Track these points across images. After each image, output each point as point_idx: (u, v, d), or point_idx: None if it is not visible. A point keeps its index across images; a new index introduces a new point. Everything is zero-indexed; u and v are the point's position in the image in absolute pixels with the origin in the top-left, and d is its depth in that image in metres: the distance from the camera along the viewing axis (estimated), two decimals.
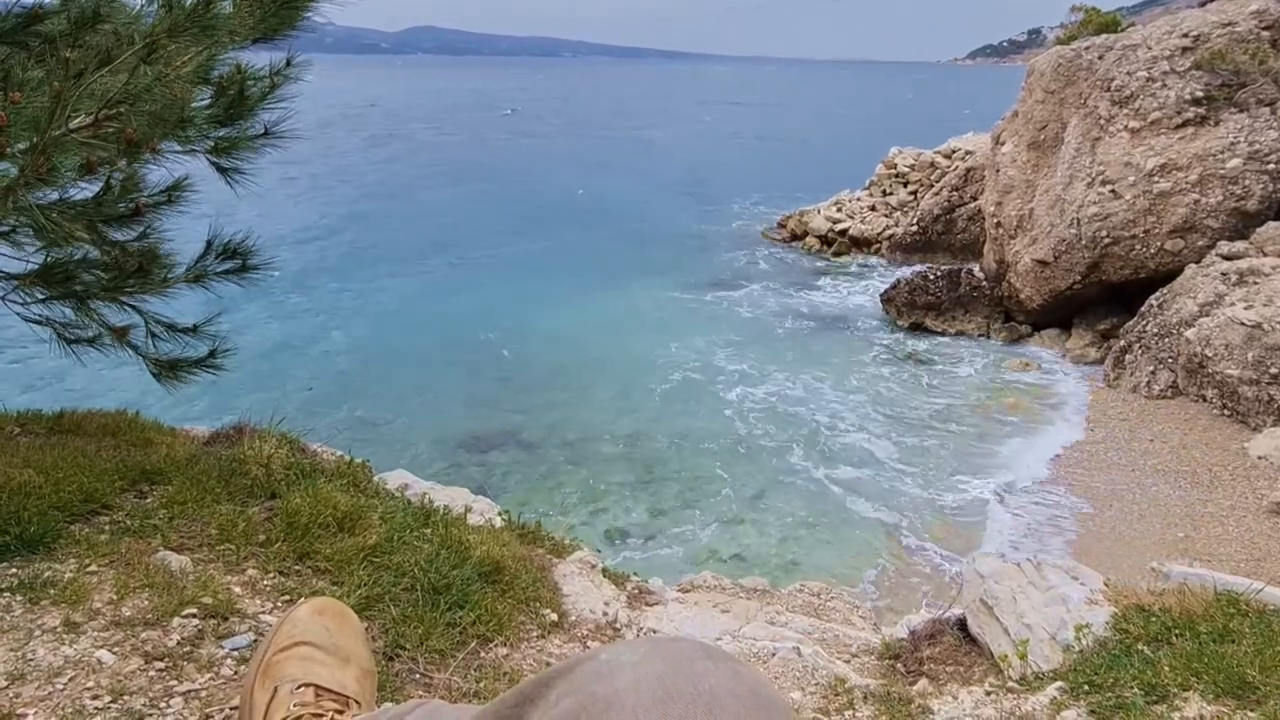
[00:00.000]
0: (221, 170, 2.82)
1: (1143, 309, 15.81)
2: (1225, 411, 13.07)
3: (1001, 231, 19.72)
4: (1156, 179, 16.32)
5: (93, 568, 2.40)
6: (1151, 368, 14.68)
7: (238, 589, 2.48)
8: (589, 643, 3.03)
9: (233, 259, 3.15)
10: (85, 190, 2.51)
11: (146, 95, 1.89)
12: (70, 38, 1.93)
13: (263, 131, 2.77)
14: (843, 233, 27.64)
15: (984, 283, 19.75)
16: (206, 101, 2.52)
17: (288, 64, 2.74)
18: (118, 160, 2.30)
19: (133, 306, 3.05)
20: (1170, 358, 14.39)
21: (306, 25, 2.65)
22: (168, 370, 3.27)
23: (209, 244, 3.08)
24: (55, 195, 2.39)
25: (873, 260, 26.13)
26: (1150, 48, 17.28)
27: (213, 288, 3.19)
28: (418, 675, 2.37)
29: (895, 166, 28.83)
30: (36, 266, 2.83)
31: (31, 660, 1.98)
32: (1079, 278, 17.29)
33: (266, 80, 2.68)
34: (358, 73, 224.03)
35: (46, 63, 2.07)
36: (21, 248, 2.79)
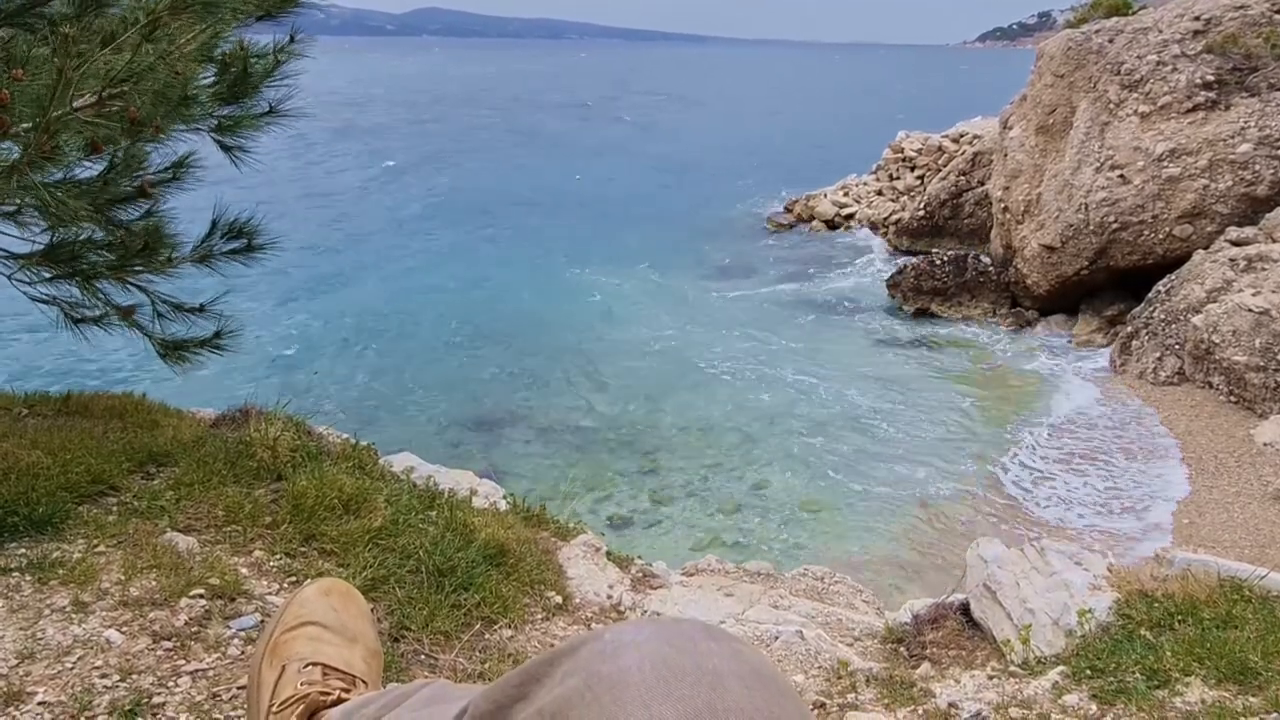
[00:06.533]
0: (226, 148, 2.81)
1: (1150, 295, 15.72)
2: (1232, 398, 13.02)
3: (1009, 216, 19.61)
4: (1166, 164, 16.19)
5: (101, 548, 2.42)
6: (1158, 354, 14.62)
7: (244, 570, 2.50)
8: (594, 625, 3.05)
9: (238, 238, 3.15)
10: (90, 170, 2.51)
11: (150, 74, 1.88)
12: (74, 20, 1.92)
13: (267, 109, 2.76)
14: (849, 217, 27.53)
15: (990, 268, 19.65)
16: (210, 80, 2.51)
17: (291, 40, 2.73)
18: (121, 139, 2.30)
19: (138, 286, 3.06)
20: (1177, 344, 14.32)
21: (309, 2, 2.63)
22: (173, 350, 3.28)
23: (214, 223, 3.08)
24: (60, 175, 2.39)
25: (879, 241, 25.96)
26: (1161, 31, 17.10)
27: (219, 268, 3.20)
28: (423, 656, 2.39)
29: (902, 151, 28.64)
30: (42, 247, 2.84)
31: (41, 639, 1.99)
32: (1086, 263, 17.19)
33: (270, 58, 2.67)
34: (371, 56, 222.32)
35: (50, 41, 2.07)
36: (27, 228, 2.80)
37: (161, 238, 2.97)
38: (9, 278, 2.88)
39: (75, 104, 1.87)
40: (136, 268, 2.93)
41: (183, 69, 2.04)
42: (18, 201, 2.50)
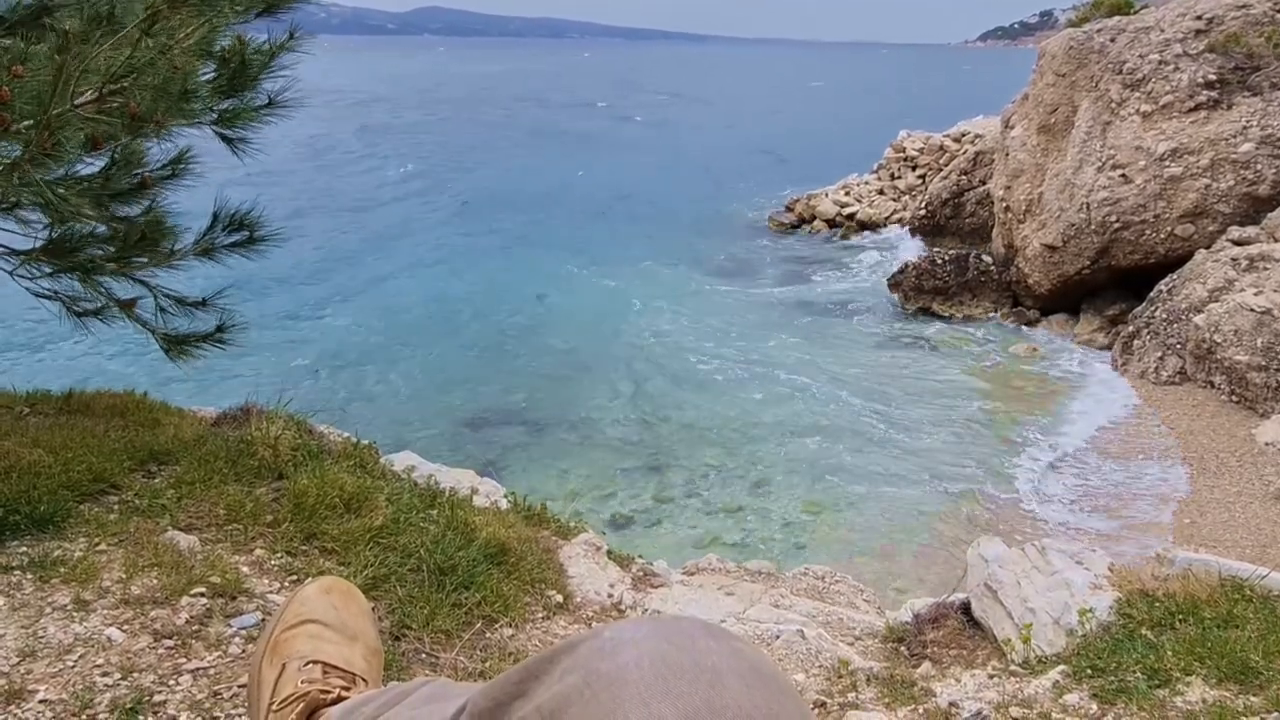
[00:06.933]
0: (227, 140, 2.81)
1: (1152, 294, 15.71)
2: (1233, 398, 13.01)
3: (1010, 216, 19.59)
4: (1167, 163, 16.17)
5: (102, 547, 2.42)
6: (1160, 353, 14.61)
7: (245, 569, 2.50)
8: (594, 624, 3.05)
9: (240, 230, 3.15)
10: (91, 165, 2.51)
11: (150, 69, 1.88)
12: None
13: (266, 102, 2.76)
14: (850, 216, 27.50)
15: (992, 267, 19.63)
16: (210, 75, 2.51)
17: (290, 36, 2.73)
18: (122, 135, 2.30)
19: (140, 280, 3.06)
20: (1179, 344, 14.31)
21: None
22: (176, 345, 3.28)
23: (216, 215, 3.08)
24: (61, 171, 2.39)
25: (884, 236, 25.94)
26: (1163, 30, 17.07)
27: (223, 262, 3.19)
28: (424, 655, 2.39)
29: (904, 150, 28.61)
30: (42, 242, 2.84)
31: (42, 637, 2.00)
32: (1088, 263, 17.18)
33: (267, 51, 2.67)
34: (375, 55, 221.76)
35: (49, 39, 2.07)
36: (28, 224, 2.80)
37: (162, 230, 2.97)
38: (10, 274, 2.88)
39: (76, 100, 1.87)
40: (137, 260, 2.93)
41: (182, 63, 2.04)
42: (15, 199, 2.50)
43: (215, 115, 2.64)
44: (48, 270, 2.88)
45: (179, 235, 3.06)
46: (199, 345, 3.32)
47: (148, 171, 2.80)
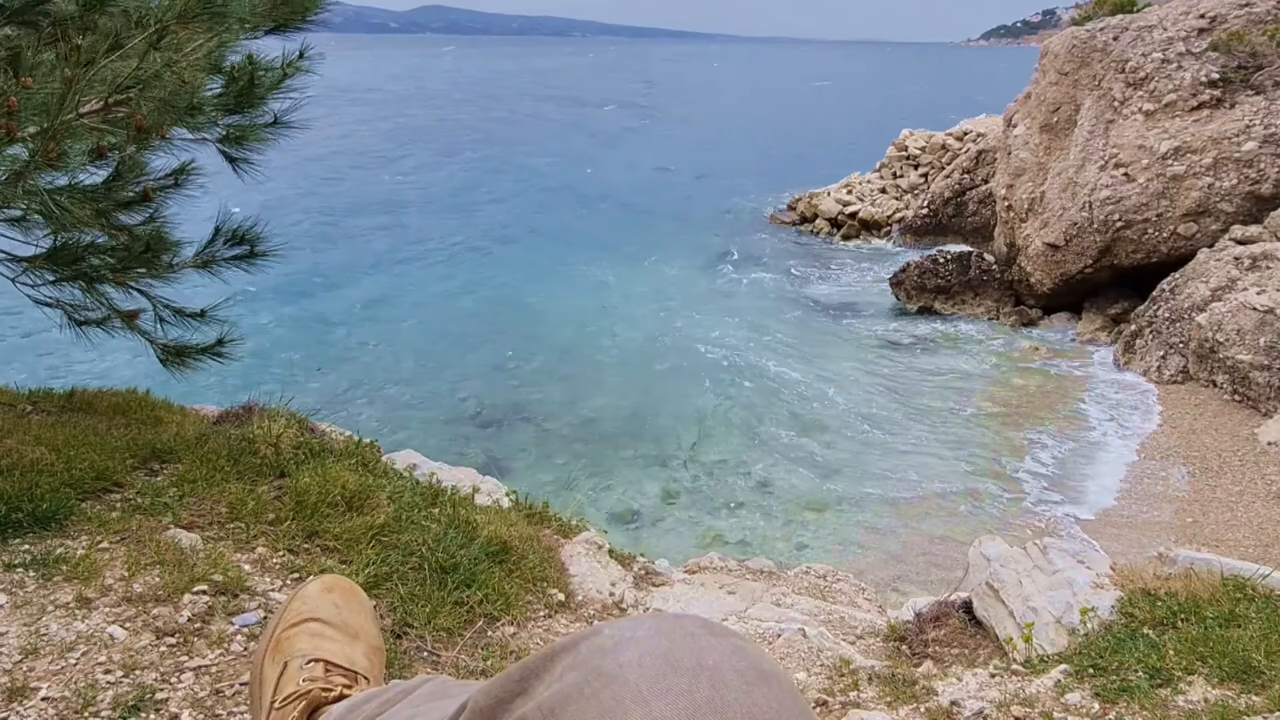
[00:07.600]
0: (231, 160, 2.81)
1: (1154, 293, 15.70)
2: (1236, 397, 12.99)
3: (1012, 214, 19.58)
4: (1170, 162, 16.15)
5: (104, 544, 2.42)
6: (1162, 352, 14.60)
7: (247, 567, 2.50)
8: (595, 623, 3.05)
9: (241, 244, 3.15)
10: (94, 175, 2.51)
11: (156, 81, 1.88)
12: (79, 21, 1.91)
13: (272, 120, 2.76)
14: (853, 215, 27.49)
15: (994, 266, 19.63)
16: (217, 90, 2.51)
17: (301, 55, 2.72)
18: (127, 146, 2.30)
19: (140, 291, 3.06)
20: (1181, 342, 14.29)
21: (320, 17, 2.64)
22: (175, 356, 3.28)
23: (217, 229, 3.08)
24: (64, 180, 2.39)
25: (881, 242, 25.95)
26: (1166, 29, 17.05)
27: (221, 275, 3.19)
28: (425, 653, 2.39)
29: (906, 149, 28.58)
30: (45, 249, 2.84)
31: (45, 635, 2.00)
32: (1090, 262, 17.16)
33: (278, 70, 2.66)
34: (380, 53, 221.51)
35: (57, 47, 2.06)
36: (31, 232, 2.80)
37: (164, 242, 2.97)
38: (13, 281, 2.89)
39: (81, 110, 1.86)
40: (138, 272, 2.93)
41: (189, 77, 2.04)
42: (21, 207, 2.50)
43: (223, 132, 2.63)
44: (50, 278, 2.89)
45: (180, 249, 3.06)
46: (198, 357, 3.32)
47: (149, 182, 2.80)
